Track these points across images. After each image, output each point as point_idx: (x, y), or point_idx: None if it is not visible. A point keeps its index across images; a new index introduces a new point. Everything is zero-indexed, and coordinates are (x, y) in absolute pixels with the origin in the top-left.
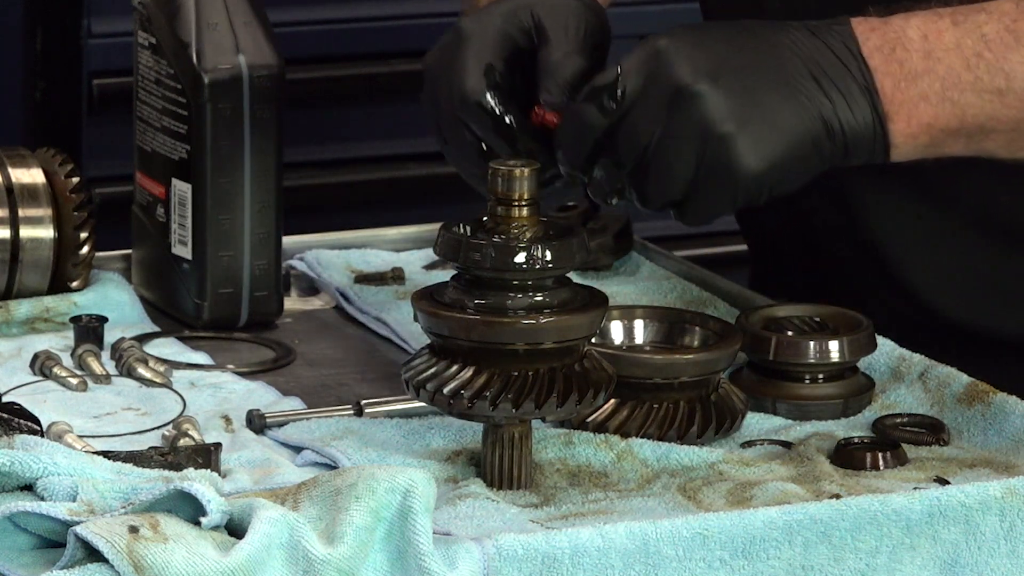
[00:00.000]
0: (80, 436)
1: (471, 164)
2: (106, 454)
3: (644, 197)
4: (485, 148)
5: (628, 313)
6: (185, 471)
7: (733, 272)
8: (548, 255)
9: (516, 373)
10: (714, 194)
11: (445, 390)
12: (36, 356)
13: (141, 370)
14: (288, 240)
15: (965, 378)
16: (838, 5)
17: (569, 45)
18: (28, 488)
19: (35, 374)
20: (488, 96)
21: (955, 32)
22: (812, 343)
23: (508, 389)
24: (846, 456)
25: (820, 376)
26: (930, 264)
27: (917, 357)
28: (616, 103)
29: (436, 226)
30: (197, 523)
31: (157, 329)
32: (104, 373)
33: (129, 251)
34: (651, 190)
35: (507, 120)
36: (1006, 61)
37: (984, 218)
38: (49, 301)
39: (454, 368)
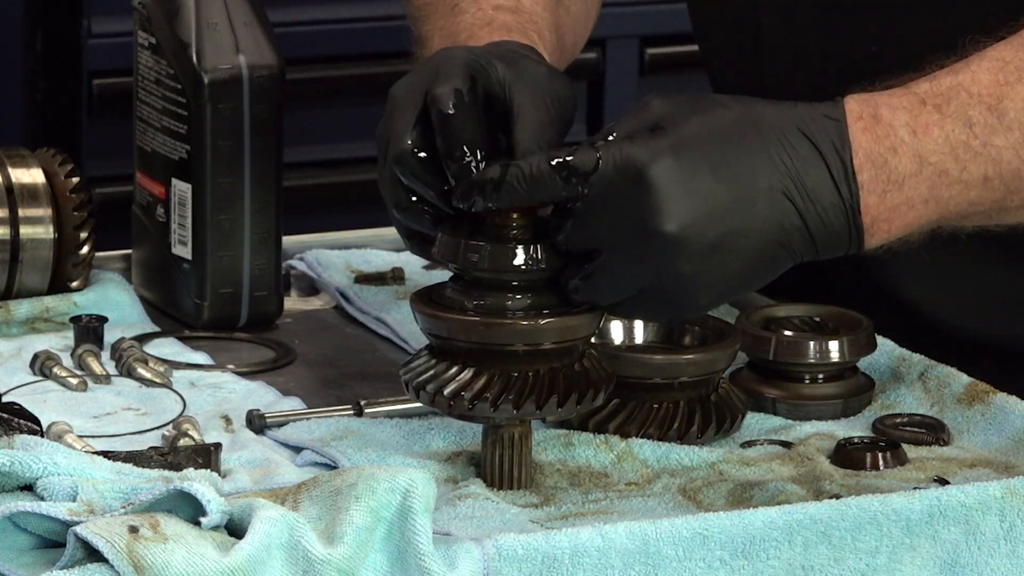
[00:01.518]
0: (80, 436)
1: (407, 223)
2: (106, 454)
3: (576, 288)
4: (415, 201)
5: None
6: (185, 471)
7: None
8: (547, 256)
9: (516, 374)
10: (653, 315)
11: (445, 391)
12: (36, 356)
13: (141, 370)
14: (288, 240)
15: (965, 378)
16: (840, 31)
17: (543, 131)
18: (28, 488)
19: (35, 374)
20: (411, 142)
21: (942, 124)
22: (812, 343)
23: (508, 390)
24: (846, 456)
25: (820, 376)
26: (930, 276)
27: (917, 357)
28: (581, 191)
29: None
30: (197, 523)
31: (157, 329)
32: (104, 373)
33: (129, 251)
34: (585, 289)
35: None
36: (992, 147)
37: (985, 229)
38: (49, 301)
39: (453, 369)
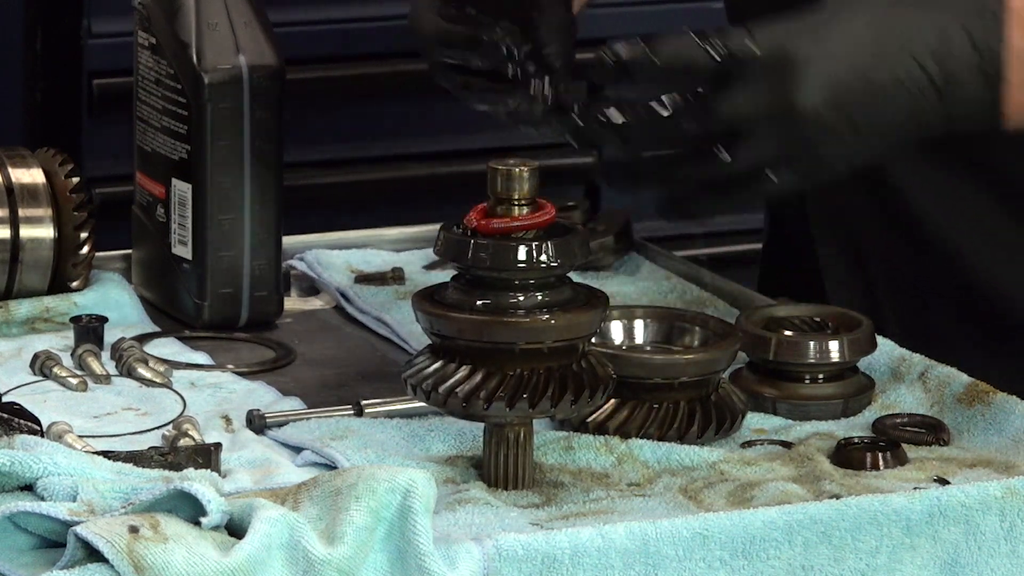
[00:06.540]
0: (80, 436)
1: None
2: (106, 454)
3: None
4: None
5: (628, 313)
6: (185, 471)
7: (733, 272)
8: (549, 254)
9: (517, 372)
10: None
11: (447, 390)
12: (36, 356)
13: (141, 370)
14: (288, 240)
15: (965, 378)
16: None
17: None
18: (28, 488)
19: (35, 374)
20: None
21: None
22: (812, 343)
23: (509, 388)
24: (846, 456)
25: (820, 376)
26: (989, 249)
27: (917, 357)
28: (728, 69)
29: (436, 226)
30: (197, 523)
31: (157, 329)
32: (104, 373)
33: (129, 251)
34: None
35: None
36: None
37: None
38: (49, 301)
39: (456, 368)
